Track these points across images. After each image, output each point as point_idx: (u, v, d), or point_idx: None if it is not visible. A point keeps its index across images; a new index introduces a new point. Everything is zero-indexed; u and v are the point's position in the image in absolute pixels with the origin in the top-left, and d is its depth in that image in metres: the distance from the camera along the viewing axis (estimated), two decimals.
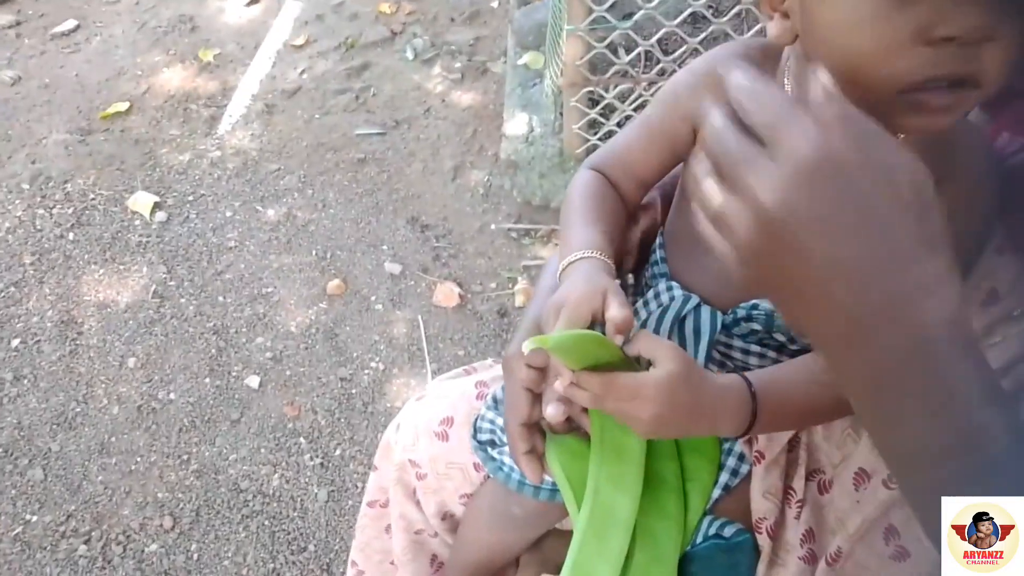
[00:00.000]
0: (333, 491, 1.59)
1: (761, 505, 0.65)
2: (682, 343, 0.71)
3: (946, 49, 0.45)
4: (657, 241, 0.80)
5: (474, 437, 0.82)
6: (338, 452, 1.65)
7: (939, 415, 0.34)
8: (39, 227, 2.08)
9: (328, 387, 1.75)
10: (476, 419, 0.83)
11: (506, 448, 0.78)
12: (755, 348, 0.70)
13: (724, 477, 0.71)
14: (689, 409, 0.56)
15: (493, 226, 2.05)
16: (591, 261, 0.63)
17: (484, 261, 1.97)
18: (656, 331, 0.72)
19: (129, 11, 2.89)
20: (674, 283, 0.74)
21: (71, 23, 2.82)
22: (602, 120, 1.89)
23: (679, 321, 0.71)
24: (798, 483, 0.65)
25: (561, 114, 1.95)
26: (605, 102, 1.85)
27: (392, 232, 2.05)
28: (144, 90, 2.52)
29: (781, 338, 0.68)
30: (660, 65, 1.80)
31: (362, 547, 1.06)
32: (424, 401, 0.94)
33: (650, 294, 0.76)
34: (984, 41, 0.45)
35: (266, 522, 1.55)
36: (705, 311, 0.71)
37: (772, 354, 0.70)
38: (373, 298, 1.91)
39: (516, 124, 2.11)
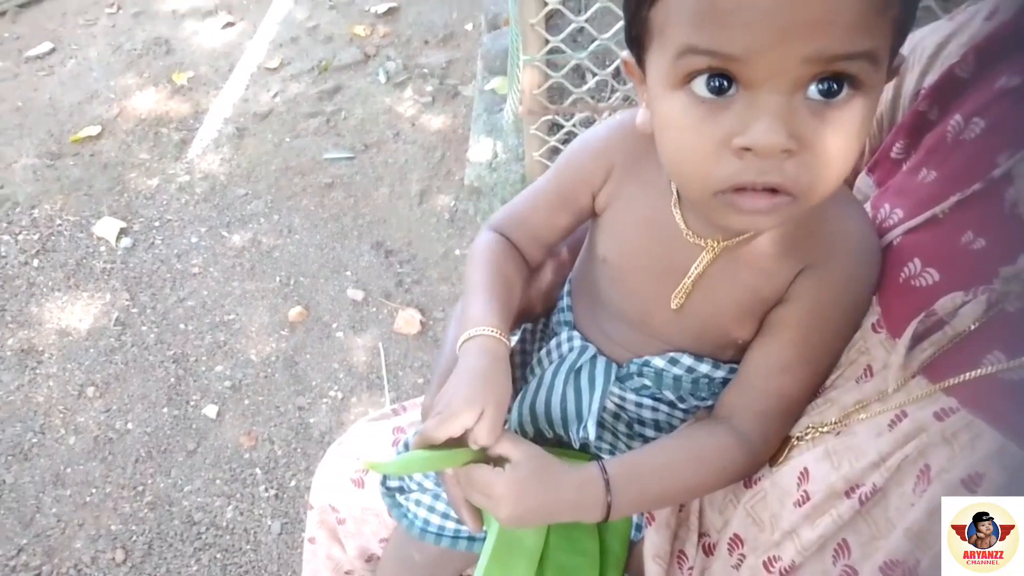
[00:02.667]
0: (287, 523, 1.59)
1: (651, 568, 0.65)
2: (577, 393, 0.71)
3: (749, 159, 0.47)
4: (565, 288, 0.80)
5: (383, 483, 0.82)
6: (293, 483, 1.64)
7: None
8: (3, 253, 2.08)
9: (286, 416, 1.74)
10: None
11: (413, 494, 0.79)
12: (647, 402, 0.70)
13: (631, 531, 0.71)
14: (544, 504, 0.58)
15: (457, 251, 2.05)
16: (487, 341, 0.64)
17: (447, 287, 1.97)
18: (552, 382, 0.72)
19: (105, 33, 2.90)
20: (575, 333, 0.74)
21: (47, 45, 2.83)
22: (562, 148, 1.89)
23: (575, 372, 0.72)
24: (690, 548, 0.65)
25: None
26: (566, 129, 1.86)
27: (356, 258, 2.05)
28: (116, 113, 2.53)
29: (671, 396, 0.68)
30: (619, 93, 1.80)
31: None
32: (345, 445, 0.94)
33: (553, 343, 0.77)
34: (786, 154, 0.46)
35: (218, 555, 1.55)
36: (600, 362, 0.71)
37: (665, 407, 0.70)
38: (334, 325, 1.91)
39: (481, 150, 2.11)
